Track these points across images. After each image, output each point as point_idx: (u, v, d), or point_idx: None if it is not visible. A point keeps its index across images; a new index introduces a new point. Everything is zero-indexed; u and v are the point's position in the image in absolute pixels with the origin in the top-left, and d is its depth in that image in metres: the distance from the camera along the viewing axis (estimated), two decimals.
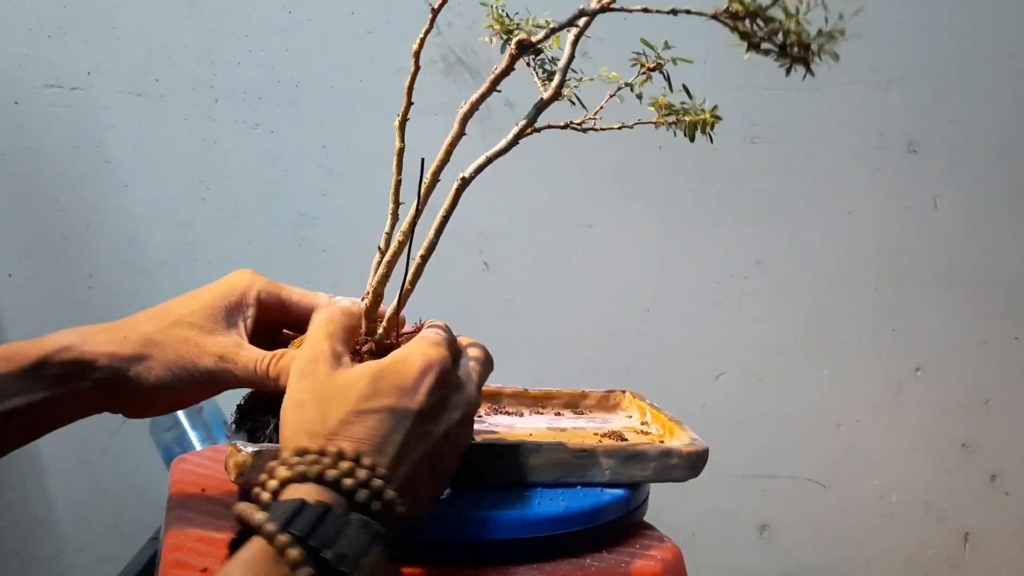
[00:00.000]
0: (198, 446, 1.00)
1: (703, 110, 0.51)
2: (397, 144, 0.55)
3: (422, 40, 0.53)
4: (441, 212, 0.51)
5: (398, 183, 0.54)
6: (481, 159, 0.51)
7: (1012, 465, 1.50)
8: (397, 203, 0.54)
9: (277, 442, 0.49)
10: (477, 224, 1.32)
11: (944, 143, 1.42)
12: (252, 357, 0.53)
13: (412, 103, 0.54)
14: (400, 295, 0.53)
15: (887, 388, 1.46)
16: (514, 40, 0.48)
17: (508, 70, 0.49)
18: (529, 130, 0.51)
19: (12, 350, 0.51)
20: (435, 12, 0.51)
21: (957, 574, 1.51)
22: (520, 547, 0.53)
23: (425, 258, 0.52)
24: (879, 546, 1.49)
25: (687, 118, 0.51)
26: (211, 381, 0.53)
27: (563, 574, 0.53)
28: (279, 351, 0.53)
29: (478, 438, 0.59)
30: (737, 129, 1.37)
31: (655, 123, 0.53)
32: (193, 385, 0.53)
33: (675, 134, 0.52)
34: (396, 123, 0.54)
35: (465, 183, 0.51)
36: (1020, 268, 1.46)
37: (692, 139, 0.51)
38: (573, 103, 0.53)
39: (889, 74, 1.39)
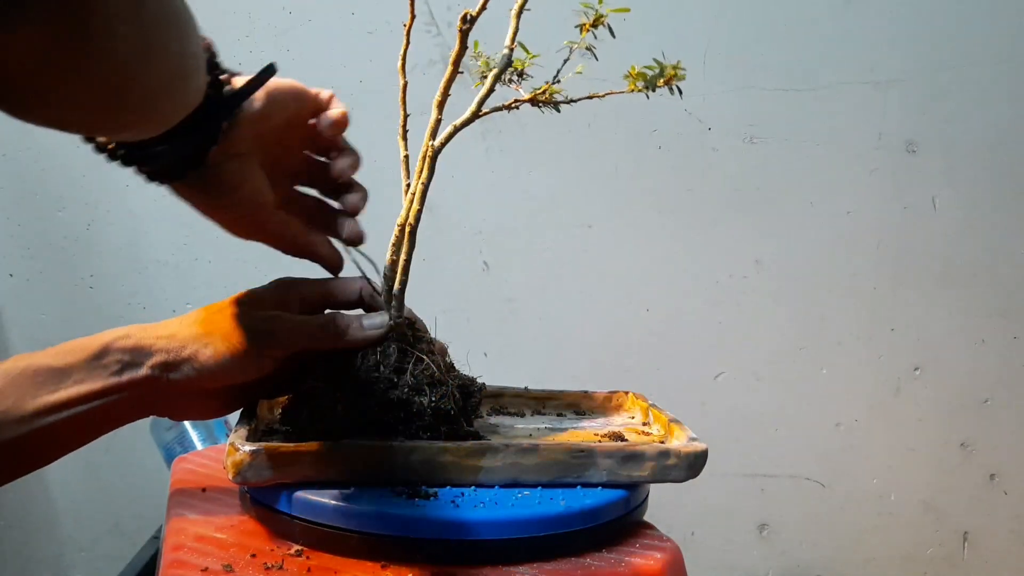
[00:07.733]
0: (199, 446, 1.00)
1: (673, 67, 0.53)
2: (402, 152, 0.58)
3: (403, 56, 0.57)
4: (421, 181, 0.55)
5: (408, 186, 0.58)
6: (449, 128, 0.54)
7: (1011, 464, 1.50)
8: (411, 205, 0.57)
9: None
10: (477, 224, 1.32)
11: (943, 143, 1.42)
12: (309, 315, 0.58)
13: (408, 114, 0.58)
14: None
15: (886, 387, 1.46)
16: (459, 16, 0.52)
17: (462, 48, 0.52)
18: (505, 105, 0.54)
19: (75, 343, 0.54)
20: (408, 26, 0.55)
21: (956, 573, 1.52)
22: (520, 547, 0.53)
23: (414, 228, 0.56)
24: (878, 545, 1.49)
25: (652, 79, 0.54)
26: (265, 347, 0.56)
27: (563, 573, 0.53)
28: (335, 311, 0.59)
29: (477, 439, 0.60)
30: (736, 129, 1.37)
31: (626, 91, 0.55)
32: (246, 358, 0.55)
33: (648, 96, 0.55)
34: (399, 135, 0.58)
35: (436, 152, 0.55)
36: (1019, 267, 1.46)
37: (652, 90, 0.54)
38: (524, 76, 0.55)
39: (888, 74, 1.39)
